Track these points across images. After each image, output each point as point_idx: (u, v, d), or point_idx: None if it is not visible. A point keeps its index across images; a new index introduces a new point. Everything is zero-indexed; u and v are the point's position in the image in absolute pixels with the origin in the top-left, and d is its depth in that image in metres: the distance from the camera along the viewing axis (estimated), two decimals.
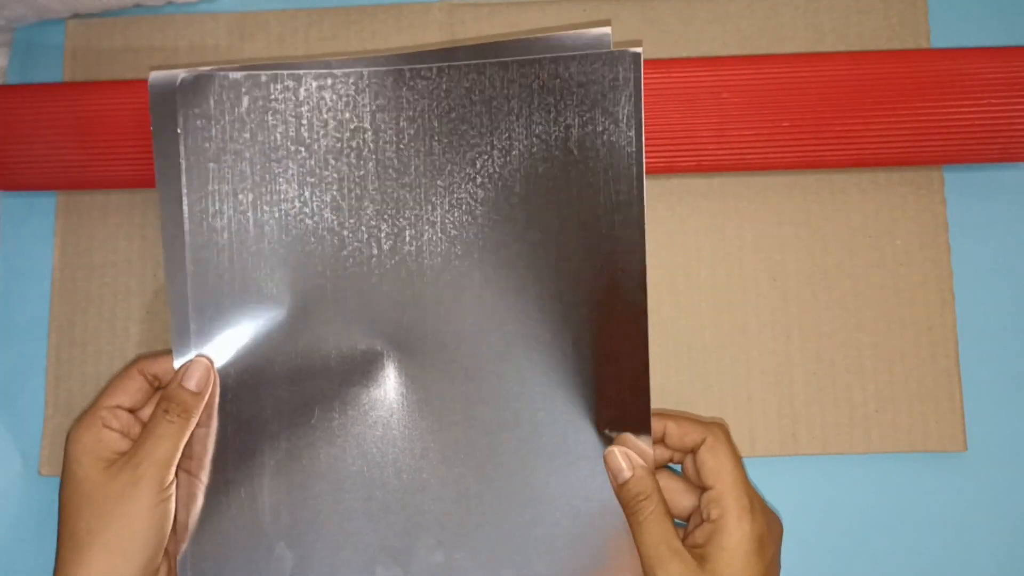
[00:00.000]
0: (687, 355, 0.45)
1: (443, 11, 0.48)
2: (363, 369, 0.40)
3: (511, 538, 0.39)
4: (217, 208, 0.39)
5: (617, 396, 0.39)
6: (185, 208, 0.39)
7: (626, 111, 0.39)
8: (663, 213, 0.46)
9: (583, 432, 0.39)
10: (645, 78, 0.42)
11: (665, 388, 0.44)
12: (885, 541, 0.44)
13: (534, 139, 0.39)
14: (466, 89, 0.39)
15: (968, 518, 0.44)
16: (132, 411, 0.39)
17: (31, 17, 0.48)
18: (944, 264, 0.45)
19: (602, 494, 0.39)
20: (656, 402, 0.44)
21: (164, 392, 0.38)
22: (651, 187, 0.46)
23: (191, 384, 0.38)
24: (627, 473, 0.38)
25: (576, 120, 0.39)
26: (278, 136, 0.40)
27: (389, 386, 0.40)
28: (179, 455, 0.37)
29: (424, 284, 0.40)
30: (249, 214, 0.40)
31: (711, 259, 0.45)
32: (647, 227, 0.39)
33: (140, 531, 0.36)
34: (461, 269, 0.40)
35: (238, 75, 0.39)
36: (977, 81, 0.42)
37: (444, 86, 0.39)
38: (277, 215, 0.40)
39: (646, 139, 0.42)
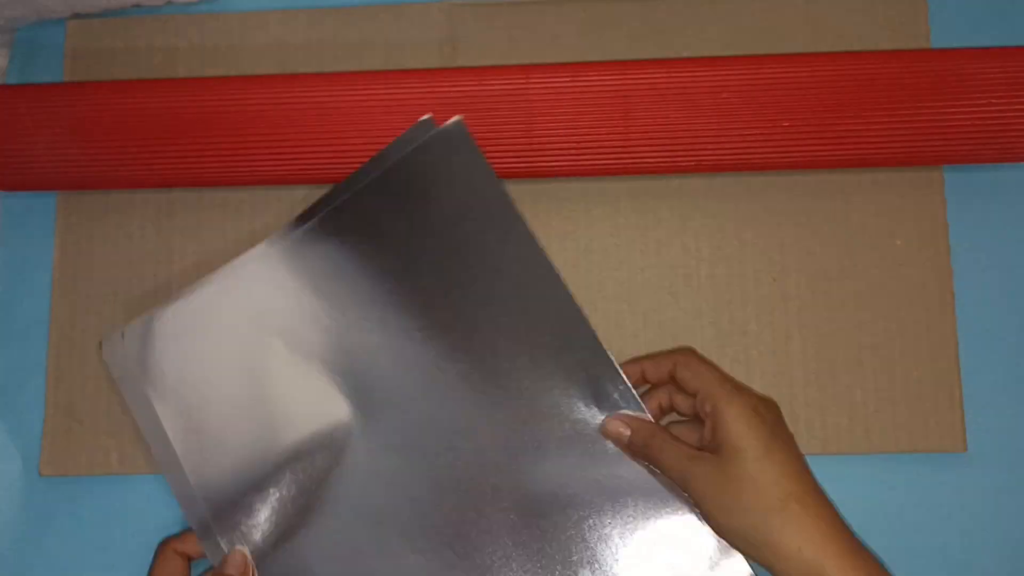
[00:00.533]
0: None
1: (443, 11, 0.48)
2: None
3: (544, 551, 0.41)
4: (200, 428, 0.41)
5: (590, 380, 0.41)
6: (179, 455, 0.41)
7: (475, 164, 0.43)
8: (663, 213, 0.46)
9: (587, 428, 0.41)
10: (648, 77, 0.43)
11: None
12: (885, 541, 0.44)
13: (416, 227, 0.43)
14: (347, 225, 0.43)
15: (968, 518, 0.44)
16: None
17: (31, 17, 0.48)
18: (944, 264, 0.45)
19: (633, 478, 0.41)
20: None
21: None
22: (652, 187, 0.46)
23: (232, 571, 0.40)
24: (627, 431, 0.40)
25: (444, 193, 0.43)
26: (222, 350, 0.42)
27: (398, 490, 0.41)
28: None
29: (384, 395, 0.42)
30: (228, 421, 0.42)
31: (711, 259, 0.45)
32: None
33: None
34: (413, 362, 0.42)
35: (166, 312, 0.42)
36: (977, 81, 0.42)
37: (328, 229, 0.43)
38: (256, 416, 0.42)
39: (647, 138, 0.43)
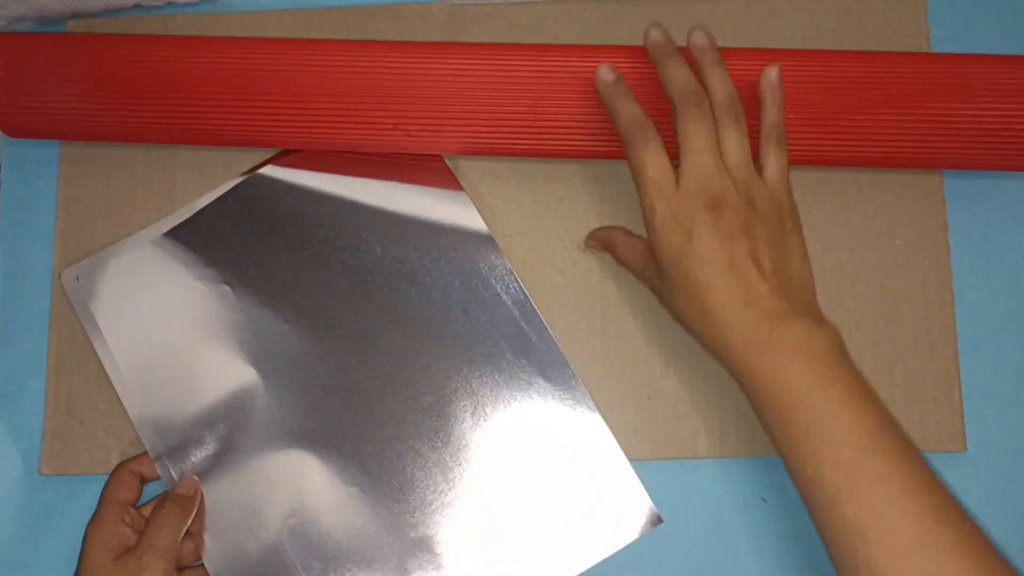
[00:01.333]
0: (687, 355, 0.45)
1: (443, 11, 0.48)
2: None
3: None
4: (149, 365, 0.45)
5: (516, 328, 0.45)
6: (132, 388, 0.44)
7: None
8: None
9: None
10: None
11: (665, 388, 0.44)
12: None
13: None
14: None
15: None
16: (135, 506, 0.43)
17: (31, 17, 0.48)
18: (944, 264, 0.45)
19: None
20: (656, 402, 0.44)
21: (163, 495, 0.43)
22: None
23: (183, 491, 0.43)
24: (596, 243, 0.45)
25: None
26: (171, 292, 0.45)
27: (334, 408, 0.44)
28: (178, 544, 0.41)
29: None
30: (171, 359, 0.45)
31: None
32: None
33: None
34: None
35: (120, 251, 0.45)
36: (984, 88, 0.42)
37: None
38: (194, 357, 0.45)
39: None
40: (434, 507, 0.43)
